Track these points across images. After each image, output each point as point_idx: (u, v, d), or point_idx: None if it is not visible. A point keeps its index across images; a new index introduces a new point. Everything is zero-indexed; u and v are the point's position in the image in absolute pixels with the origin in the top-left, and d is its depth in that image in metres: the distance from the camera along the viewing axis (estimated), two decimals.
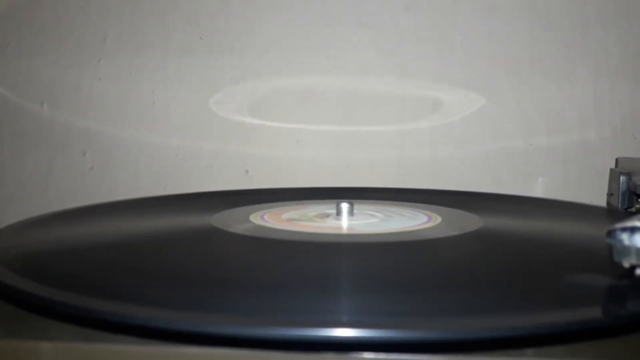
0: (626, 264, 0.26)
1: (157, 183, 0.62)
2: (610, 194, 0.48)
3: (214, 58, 0.61)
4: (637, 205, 0.46)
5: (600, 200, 0.52)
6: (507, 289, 0.27)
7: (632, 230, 0.25)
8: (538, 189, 0.59)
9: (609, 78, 0.58)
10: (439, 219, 0.39)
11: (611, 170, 0.49)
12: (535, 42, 0.59)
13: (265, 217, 0.40)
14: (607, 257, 0.26)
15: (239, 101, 0.61)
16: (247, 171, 0.61)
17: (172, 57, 0.61)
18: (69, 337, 0.24)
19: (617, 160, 0.50)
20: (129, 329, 0.23)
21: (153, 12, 0.61)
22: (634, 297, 0.26)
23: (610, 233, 0.26)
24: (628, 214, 0.44)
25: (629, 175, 0.45)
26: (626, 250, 0.26)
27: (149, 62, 0.61)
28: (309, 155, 0.61)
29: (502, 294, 0.26)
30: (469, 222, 0.38)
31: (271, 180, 0.61)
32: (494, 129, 0.59)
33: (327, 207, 0.42)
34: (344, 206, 0.40)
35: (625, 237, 0.26)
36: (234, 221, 0.39)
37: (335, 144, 0.61)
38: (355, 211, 0.40)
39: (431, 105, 0.60)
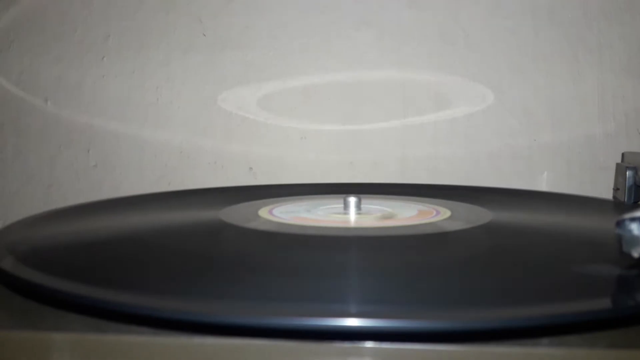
0: (635, 254, 0.26)
1: (160, 180, 0.62)
2: (616, 189, 0.48)
3: (217, 55, 0.61)
4: None
5: (606, 195, 0.52)
6: (521, 280, 0.27)
7: None
8: (542, 185, 0.59)
9: (613, 73, 0.58)
10: (447, 213, 0.39)
11: (617, 165, 0.49)
12: (539, 38, 0.59)
13: (273, 212, 0.40)
14: (616, 248, 0.26)
15: (242, 98, 0.61)
16: (250, 168, 0.61)
17: (176, 54, 0.61)
18: (81, 328, 0.24)
19: (623, 154, 0.50)
20: (142, 320, 0.23)
21: (156, 9, 0.61)
22: None
23: (619, 223, 0.26)
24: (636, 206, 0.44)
25: (635, 169, 0.45)
26: (635, 240, 0.26)
27: (153, 59, 0.61)
28: (312, 152, 0.61)
29: (516, 284, 0.26)
30: (477, 215, 0.38)
31: (275, 177, 0.61)
32: (498, 125, 0.59)
33: (334, 202, 0.42)
34: (352, 200, 0.40)
35: (634, 227, 0.26)
36: (243, 216, 0.39)
37: (339, 141, 0.61)
38: (362, 205, 0.40)
39: (434, 101, 0.60)
